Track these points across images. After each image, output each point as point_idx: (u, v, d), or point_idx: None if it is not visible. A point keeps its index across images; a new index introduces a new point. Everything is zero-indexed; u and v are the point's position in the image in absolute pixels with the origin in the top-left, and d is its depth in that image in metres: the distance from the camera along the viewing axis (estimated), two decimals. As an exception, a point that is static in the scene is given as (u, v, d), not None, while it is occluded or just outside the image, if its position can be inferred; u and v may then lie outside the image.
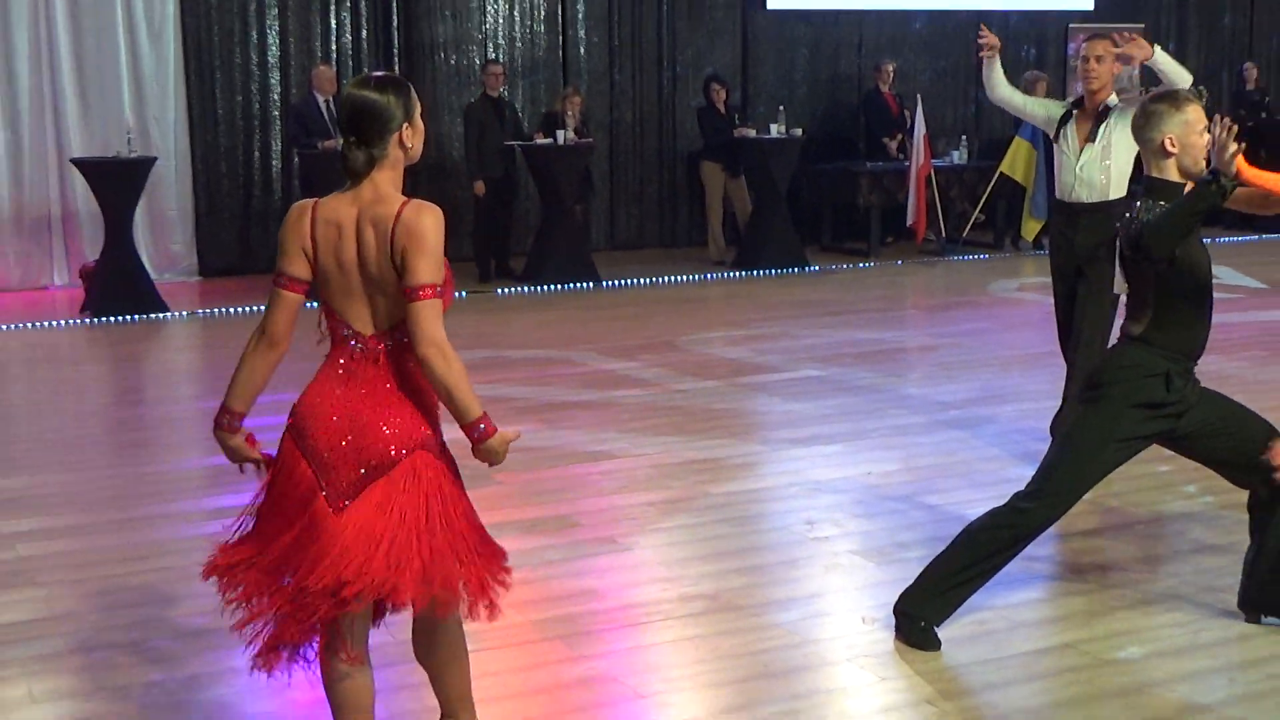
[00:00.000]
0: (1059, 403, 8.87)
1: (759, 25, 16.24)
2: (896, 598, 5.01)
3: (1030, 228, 15.44)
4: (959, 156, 15.91)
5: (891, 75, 15.78)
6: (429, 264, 3.50)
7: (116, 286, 12.06)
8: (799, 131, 14.89)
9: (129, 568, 5.85)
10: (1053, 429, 7.04)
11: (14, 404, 9.51)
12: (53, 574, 5.78)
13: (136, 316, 11.93)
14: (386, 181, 3.63)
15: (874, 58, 16.32)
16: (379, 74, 3.77)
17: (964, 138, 16.32)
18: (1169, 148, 4.74)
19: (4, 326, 11.54)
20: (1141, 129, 4.80)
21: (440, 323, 3.51)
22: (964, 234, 15.64)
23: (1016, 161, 15.00)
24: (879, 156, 15.52)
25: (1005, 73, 7.24)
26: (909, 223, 15.07)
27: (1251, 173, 4.57)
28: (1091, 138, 6.90)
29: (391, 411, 3.59)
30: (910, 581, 4.99)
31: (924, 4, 16.76)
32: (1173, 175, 4.76)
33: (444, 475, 3.66)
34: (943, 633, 4.99)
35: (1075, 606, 5.31)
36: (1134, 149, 6.52)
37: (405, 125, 3.66)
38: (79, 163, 12.54)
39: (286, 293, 3.69)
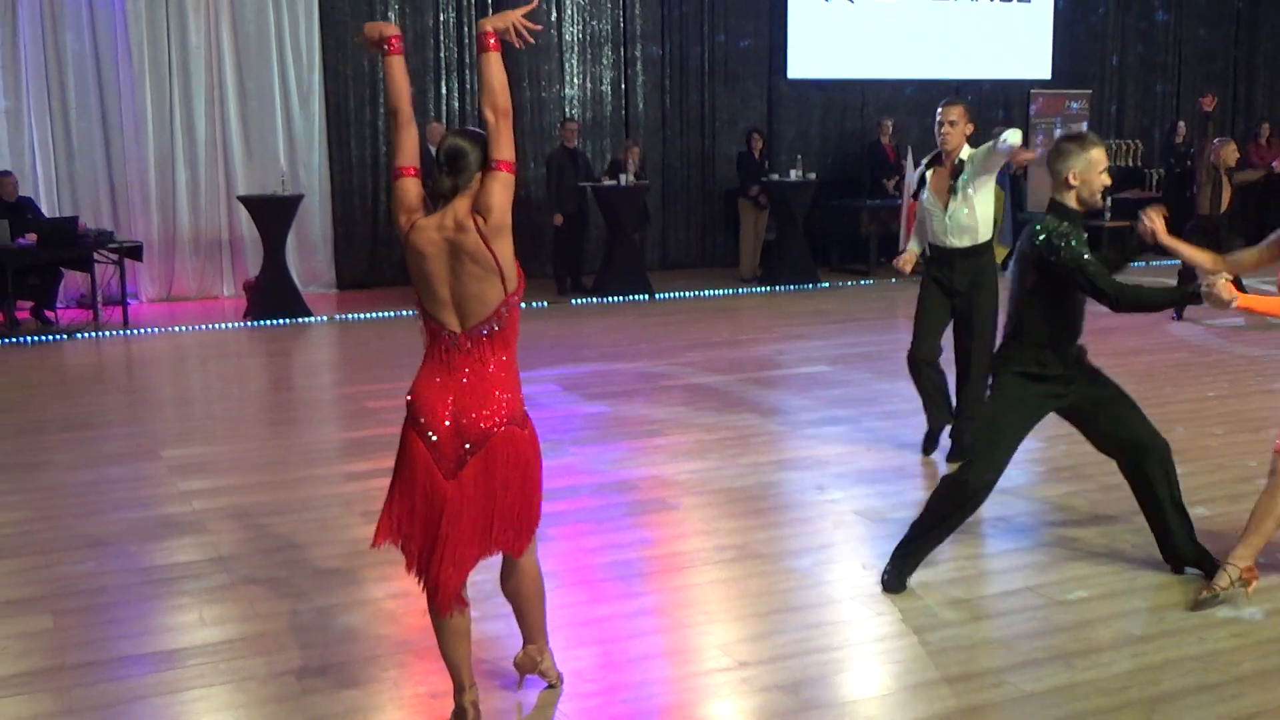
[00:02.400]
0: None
1: (781, 91, 16.17)
2: (891, 549, 4.99)
3: (999, 252, 15.26)
4: (942, 195, 15.77)
5: (890, 130, 15.69)
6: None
7: (272, 296, 12.14)
8: (813, 175, 14.82)
9: (279, 519, 5.89)
10: None
11: (191, 389, 9.60)
12: (220, 524, 5.82)
13: (287, 320, 12.00)
14: (465, 208, 3.52)
15: (875, 116, 16.21)
16: (470, 128, 3.68)
17: (946, 180, 16.19)
18: (1072, 181, 4.67)
19: (184, 328, 11.65)
20: (1052, 161, 4.72)
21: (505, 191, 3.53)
22: (945, 257, 15.50)
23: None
24: (878, 195, 15.42)
25: (976, 130, 6.76)
26: (901, 248, 14.96)
27: (1246, 299, 4.52)
28: (953, 191, 6.29)
29: (484, 398, 3.53)
30: (901, 536, 4.95)
31: (915, 74, 16.63)
32: (1072, 203, 4.71)
33: (525, 444, 3.61)
34: (925, 577, 4.95)
35: (1034, 558, 5.26)
36: (992, 193, 6.36)
37: (484, 166, 3.54)
38: (244, 199, 12.63)
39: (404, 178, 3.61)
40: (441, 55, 14.34)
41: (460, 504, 3.53)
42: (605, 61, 15.21)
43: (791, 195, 14.34)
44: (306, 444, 7.47)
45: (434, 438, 3.53)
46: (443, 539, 3.54)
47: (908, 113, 16.73)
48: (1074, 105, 17.09)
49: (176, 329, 11.61)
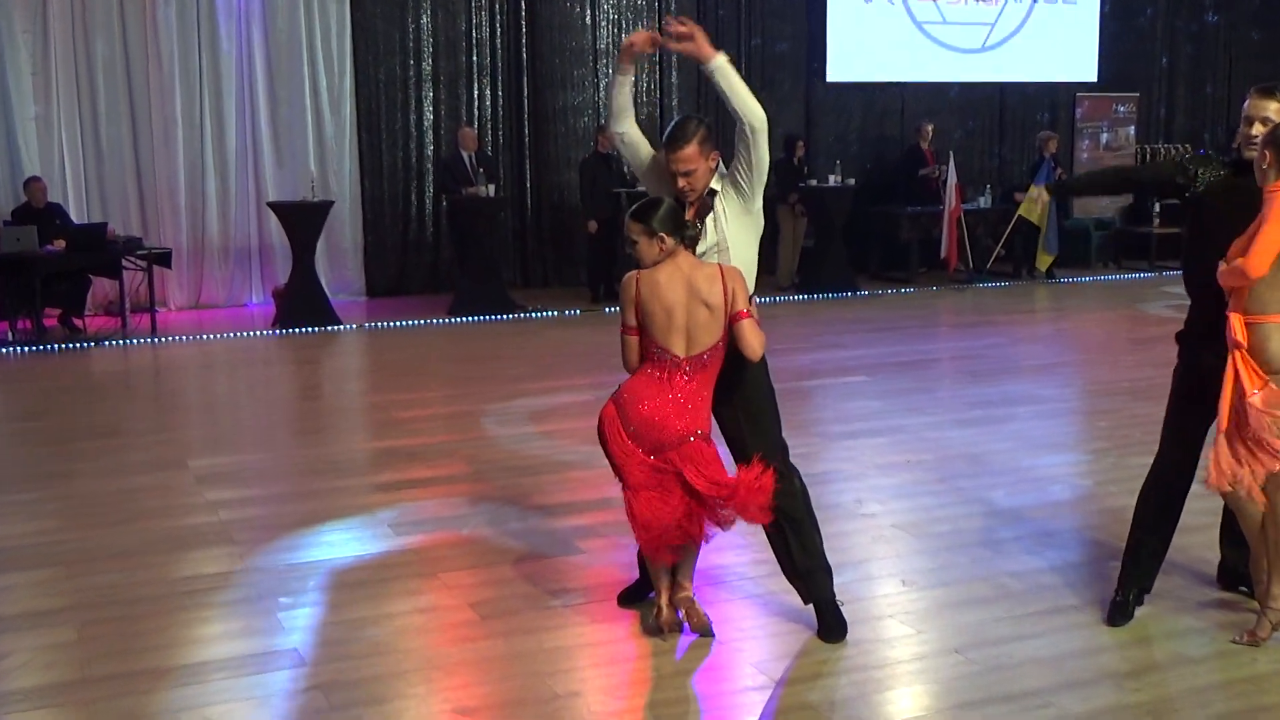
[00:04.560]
0: (1065, 404, 8.72)
1: (819, 94, 16.13)
2: (930, 564, 4.92)
3: (1043, 260, 15.23)
4: (984, 201, 15.72)
5: (929, 134, 15.62)
6: (744, 297, 4.32)
7: (301, 304, 12.19)
8: (852, 181, 14.78)
9: (306, 530, 5.90)
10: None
11: (218, 398, 9.65)
12: (246, 534, 5.83)
13: (316, 328, 12.04)
14: (688, 255, 4.34)
15: (915, 120, 16.14)
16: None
17: (988, 186, 16.11)
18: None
19: (212, 336, 11.71)
20: None
21: (756, 332, 4.33)
22: (988, 265, 15.44)
23: (1032, 206, 14.78)
24: (918, 201, 15.34)
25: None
26: (942, 255, 14.91)
27: None
28: (704, 235, 4.43)
29: (682, 412, 4.30)
30: (943, 551, 4.89)
31: (956, 76, 16.55)
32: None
33: (703, 455, 4.33)
34: (969, 594, 4.91)
35: (1081, 574, 5.19)
36: (750, 232, 4.52)
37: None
38: (273, 205, 12.71)
39: (629, 337, 4.40)
40: (474, 59, 14.39)
41: (656, 478, 4.30)
42: (640, 65, 15.18)
43: (830, 201, 14.31)
44: (334, 454, 7.49)
45: (635, 429, 4.29)
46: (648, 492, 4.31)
47: (949, 116, 16.66)
48: (1121, 109, 16.97)
49: (204, 337, 11.68)
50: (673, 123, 4.46)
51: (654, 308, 4.31)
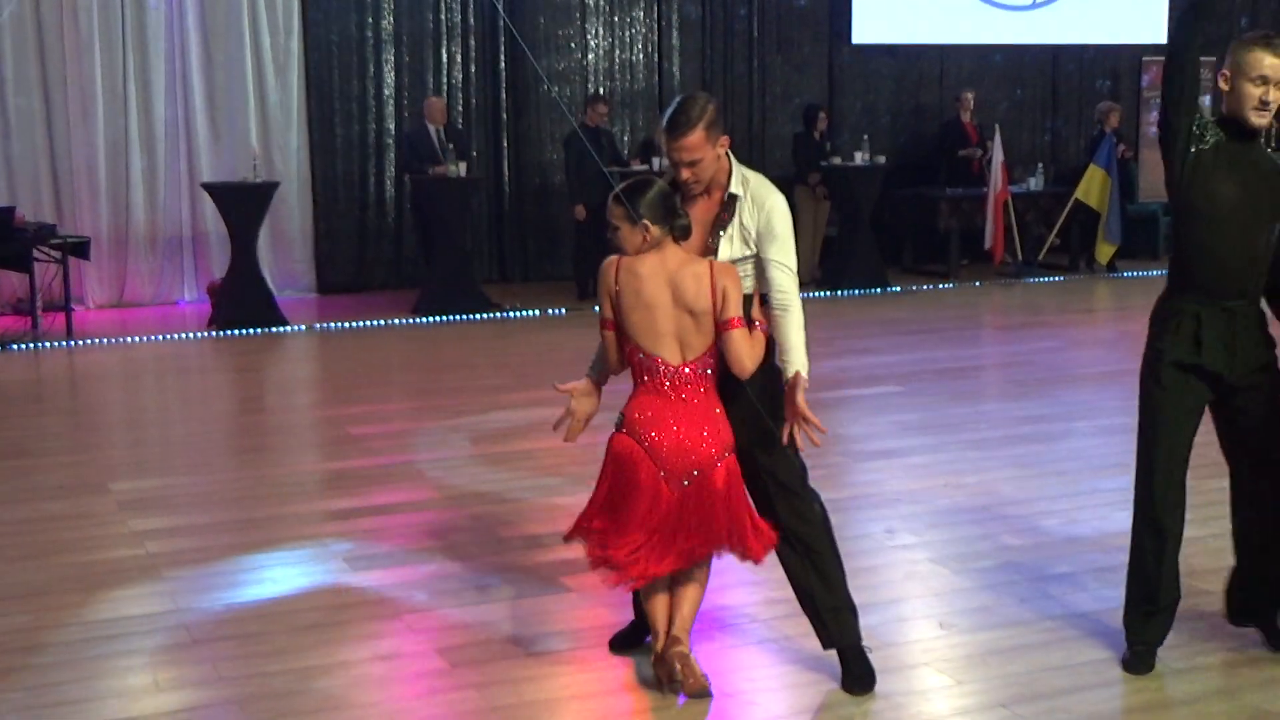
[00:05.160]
0: (1130, 418, 8.73)
1: (844, 59, 16.16)
2: (975, 604, 4.93)
3: (1104, 251, 15.26)
4: (1035, 183, 15.76)
5: (971, 105, 15.65)
6: (737, 300, 4.29)
7: (241, 302, 12.20)
8: (882, 159, 14.81)
9: (248, 564, 5.90)
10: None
11: (145, 410, 9.65)
12: (178, 570, 5.83)
13: (258, 330, 12.04)
14: (676, 249, 4.36)
15: (955, 89, 16.19)
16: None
17: (1040, 165, 16.15)
18: (1221, 84, 4.41)
19: (137, 339, 11.70)
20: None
21: (749, 345, 4.31)
22: (1040, 257, 15.47)
23: (1091, 188, 14.83)
24: (958, 183, 15.37)
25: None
26: (987, 246, 14.92)
27: None
28: (722, 225, 4.44)
29: (709, 424, 4.34)
30: (988, 589, 4.90)
31: (1003, 38, 16.58)
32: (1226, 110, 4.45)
33: (736, 478, 4.41)
34: (1017, 639, 4.91)
35: (1147, 616, 5.19)
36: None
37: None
38: (209, 187, 12.72)
39: (607, 332, 4.50)
40: (442, 17, 14.41)
41: (678, 516, 4.32)
42: (634, 24, 15.25)
43: (856, 183, 14.33)
44: (279, 477, 7.48)
45: (664, 454, 4.31)
46: (652, 539, 4.32)
47: (994, 85, 16.72)
48: (1194, 76, 17.03)
49: (128, 339, 11.66)
50: (673, 104, 4.41)
51: (633, 303, 4.33)
